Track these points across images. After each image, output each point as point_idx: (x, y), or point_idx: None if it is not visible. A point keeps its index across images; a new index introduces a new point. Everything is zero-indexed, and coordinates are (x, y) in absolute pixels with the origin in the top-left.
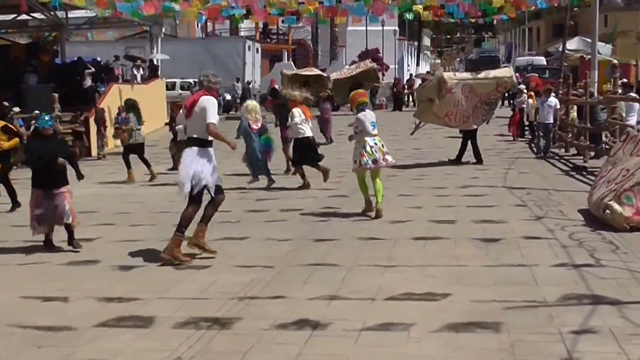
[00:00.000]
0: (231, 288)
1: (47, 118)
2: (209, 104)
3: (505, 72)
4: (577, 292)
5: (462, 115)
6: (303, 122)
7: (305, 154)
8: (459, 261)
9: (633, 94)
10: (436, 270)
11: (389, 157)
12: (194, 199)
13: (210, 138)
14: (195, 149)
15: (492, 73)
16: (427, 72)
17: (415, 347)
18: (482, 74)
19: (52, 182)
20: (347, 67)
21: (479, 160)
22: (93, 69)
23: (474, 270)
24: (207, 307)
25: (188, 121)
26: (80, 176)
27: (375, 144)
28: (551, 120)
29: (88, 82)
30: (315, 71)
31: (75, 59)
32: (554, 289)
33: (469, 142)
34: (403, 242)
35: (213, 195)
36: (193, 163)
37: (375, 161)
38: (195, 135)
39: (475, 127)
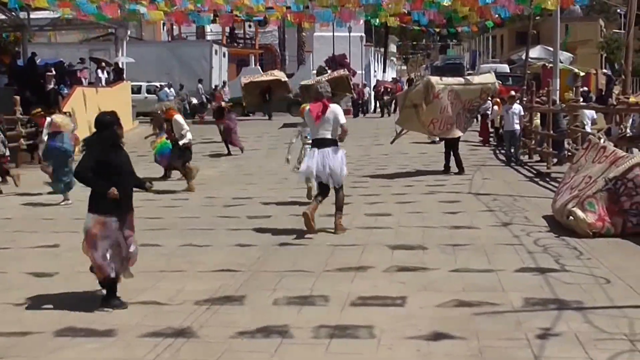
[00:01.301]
0: (199, 295)
1: None
2: (339, 110)
3: (489, 78)
4: (543, 297)
5: (446, 122)
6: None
7: (181, 157)
8: (428, 267)
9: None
10: (405, 276)
11: None
12: (339, 187)
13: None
14: (329, 149)
15: (477, 79)
16: (393, 79)
17: (387, 354)
18: (467, 80)
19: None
20: (320, 77)
21: (460, 170)
22: (54, 72)
23: (443, 276)
24: (174, 314)
25: (318, 125)
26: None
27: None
28: (517, 127)
29: (50, 84)
30: (275, 74)
31: (30, 54)
32: (521, 294)
33: (451, 150)
34: (372, 249)
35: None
36: (331, 159)
37: None
38: (328, 136)
39: (457, 135)
